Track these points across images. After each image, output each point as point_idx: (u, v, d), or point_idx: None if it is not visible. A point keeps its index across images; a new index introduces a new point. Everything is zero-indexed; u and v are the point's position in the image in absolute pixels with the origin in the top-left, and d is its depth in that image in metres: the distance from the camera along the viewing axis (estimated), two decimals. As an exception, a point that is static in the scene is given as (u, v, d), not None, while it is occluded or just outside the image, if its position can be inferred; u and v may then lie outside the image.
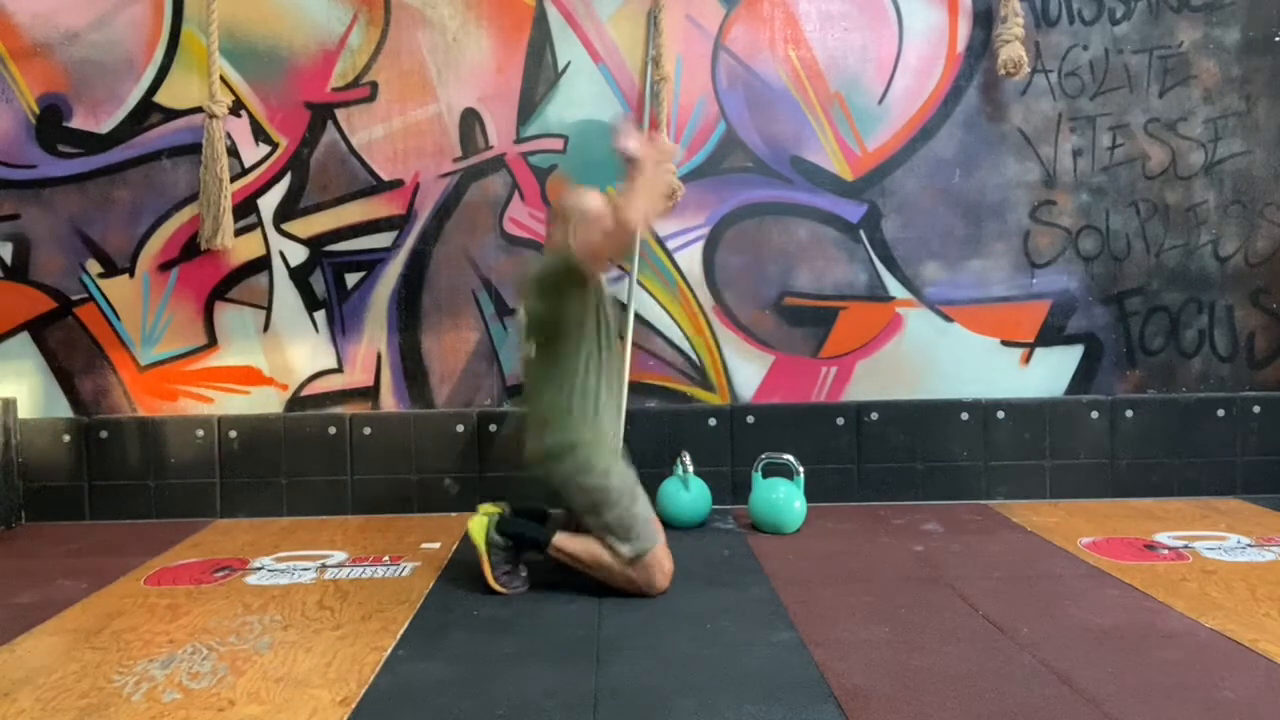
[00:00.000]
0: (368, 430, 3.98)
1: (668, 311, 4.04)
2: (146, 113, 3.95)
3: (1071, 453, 4.02)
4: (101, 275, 4.00)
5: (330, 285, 4.02)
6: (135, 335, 4.02)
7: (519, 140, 3.99)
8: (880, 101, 4.02)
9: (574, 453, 2.90)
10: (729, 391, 4.08)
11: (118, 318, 4.02)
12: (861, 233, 4.04)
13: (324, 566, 3.28)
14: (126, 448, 3.97)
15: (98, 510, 3.99)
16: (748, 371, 4.07)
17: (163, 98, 3.95)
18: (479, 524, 2.99)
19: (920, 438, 4.01)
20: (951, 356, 4.06)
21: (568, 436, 2.91)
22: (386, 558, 3.36)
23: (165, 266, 4.00)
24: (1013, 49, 3.86)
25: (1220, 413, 4.01)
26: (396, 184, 3.99)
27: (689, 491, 3.69)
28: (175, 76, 3.94)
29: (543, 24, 3.97)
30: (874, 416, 4.01)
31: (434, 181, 3.99)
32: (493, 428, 3.97)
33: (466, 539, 3.55)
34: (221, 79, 3.88)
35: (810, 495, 3.67)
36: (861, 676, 2.28)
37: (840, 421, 4.01)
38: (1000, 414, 4.01)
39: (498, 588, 2.93)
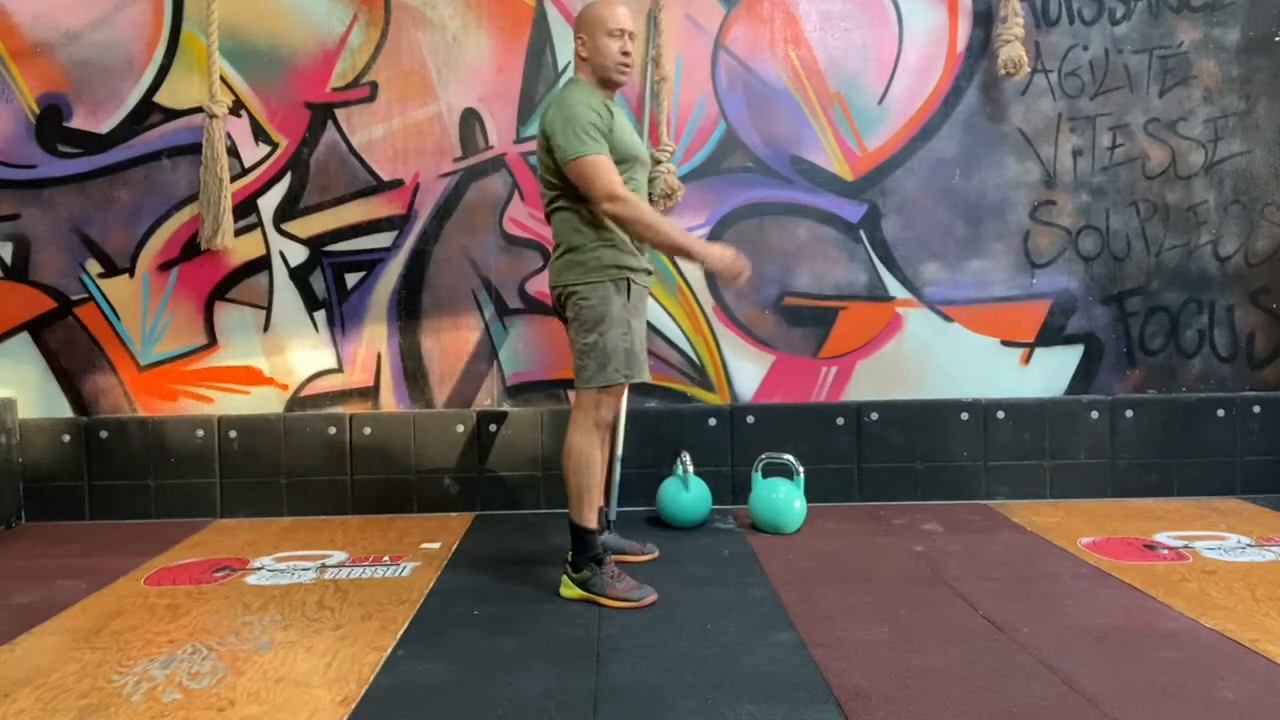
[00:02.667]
0: (368, 430, 3.98)
1: (668, 311, 4.04)
2: (146, 113, 3.95)
3: (1071, 453, 4.02)
4: (101, 275, 4.00)
5: (330, 285, 4.02)
6: (135, 335, 4.02)
7: (519, 140, 3.98)
8: (880, 101, 4.02)
9: (581, 251, 2.82)
10: (729, 391, 4.08)
11: (118, 318, 4.02)
12: (861, 233, 4.04)
13: (324, 566, 3.28)
14: (126, 448, 3.97)
15: (98, 510, 3.99)
16: (748, 371, 4.07)
17: (163, 98, 3.95)
18: (564, 587, 2.92)
19: (920, 438, 4.01)
20: (951, 356, 4.06)
21: (577, 241, 2.84)
22: (386, 558, 3.36)
23: (165, 266, 4.00)
24: (1013, 49, 3.86)
25: (1220, 413, 4.01)
26: (396, 184, 3.99)
27: (689, 491, 3.69)
28: (175, 76, 3.94)
29: (543, 24, 3.97)
30: (874, 416, 4.02)
31: (434, 181, 3.99)
32: (493, 428, 3.98)
33: (466, 538, 3.58)
34: (221, 79, 3.88)
35: (810, 495, 3.68)
36: (861, 676, 2.28)
37: (840, 421, 4.01)
38: (1000, 414, 4.01)
39: (636, 603, 2.82)
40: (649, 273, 2.99)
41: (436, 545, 3.50)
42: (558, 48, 3.97)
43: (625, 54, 2.85)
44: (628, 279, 2.83)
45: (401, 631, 2.64)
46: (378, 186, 3.99)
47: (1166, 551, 3.25)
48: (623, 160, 2.83)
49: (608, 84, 2.91)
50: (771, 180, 4.02)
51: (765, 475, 3.71)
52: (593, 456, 2.87)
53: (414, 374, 4.04)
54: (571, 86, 2.92)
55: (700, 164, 4.01)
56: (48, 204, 3.97)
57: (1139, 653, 2.40)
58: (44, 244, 3.99)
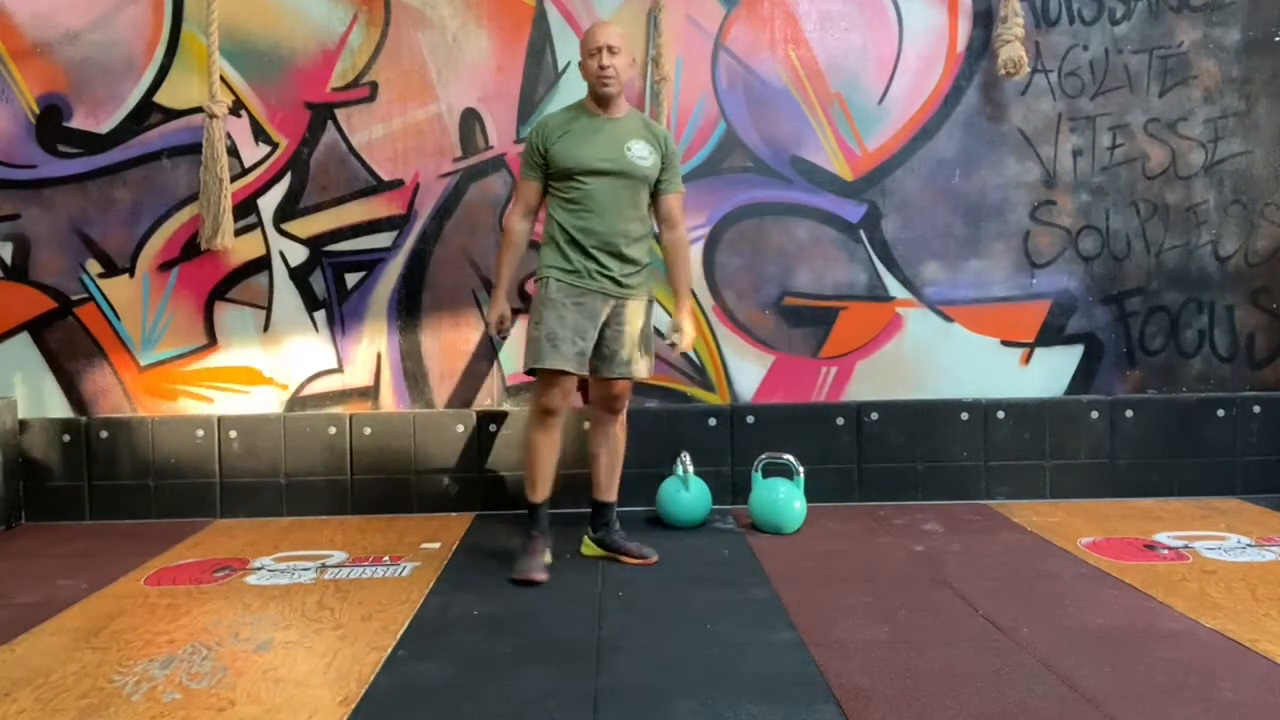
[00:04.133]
0: (368, 430, 3.98)
1: (668, 311, 4.03)
2: (146, 113, 3.95)
3: (1071, 453, 4.02)
4: (101, 275, 4.00)
5: (330, 285, 4.01)
6: (135, 335, 4.02)
7: (519, 140, 3.98)
8: (880, 101, 4.02)
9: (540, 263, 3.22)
10: (729, 391, 4.07)
11: (118, 318, 4.02)
12: (861, 233, 4.04)
13: (324, 566, 3.28)
14: (126, 448, 3.97)
15: (98, 510, 3.99)
16: (748, 371, 4.07)
17: (163, 98, 3.95)
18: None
19: (920, 438, 4.01)
20: (951, 356, 4.06)
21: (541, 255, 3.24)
22: (386, 558, 3.36)
23: (165, 266, 4.00)
24: (1013, 49, 3.86)
25: (1220, 413, 4.01)
26: (396, 184, 3.99)
27: (689, 491, 3.69)
28: (175, 76, 3.94)
29: (543, 24, 3.97)
30: (874, 416, 4.01)
31: (434, 181, 3.99)
32: (493, 428, 3.97)
33: (466, 538, 3.59)
34: (221, 79, 3.88)
35: (810, 495, 3.67)
36: (861, 676, 2.28)
37: (840, 421, 4.01)
38: (1000, 414, 4.01)
39: (522, 573, 3.07)
40: (611, 280, 3.13)
41: (436, 545, 3.50)
42: (558, 48, 3.97)
43: (602, 68, 3.10)
44: (548, 276, 3.14)
45: (401, 631, 2.64)
46: (378, 186, 3.99)
47: (1166, 551, 3.25)
48: (565, 175, 3.12)
49: (597, 98, 3.18)
50: (771, 180, 4.02)
51: (765, 475, 3.71)
52: (533, 440, 3.19)
53: (414, 374, 4.04)
54: (569, 104, 3.31)
55: (700, 164, 4.01)
56: (48, 204, 3.97)
57: (1139, 653, 2.40)
58: (44, 244, 3.99)
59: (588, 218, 3.11)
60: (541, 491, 3.22)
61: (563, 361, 3.05)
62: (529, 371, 3.16)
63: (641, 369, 3.24)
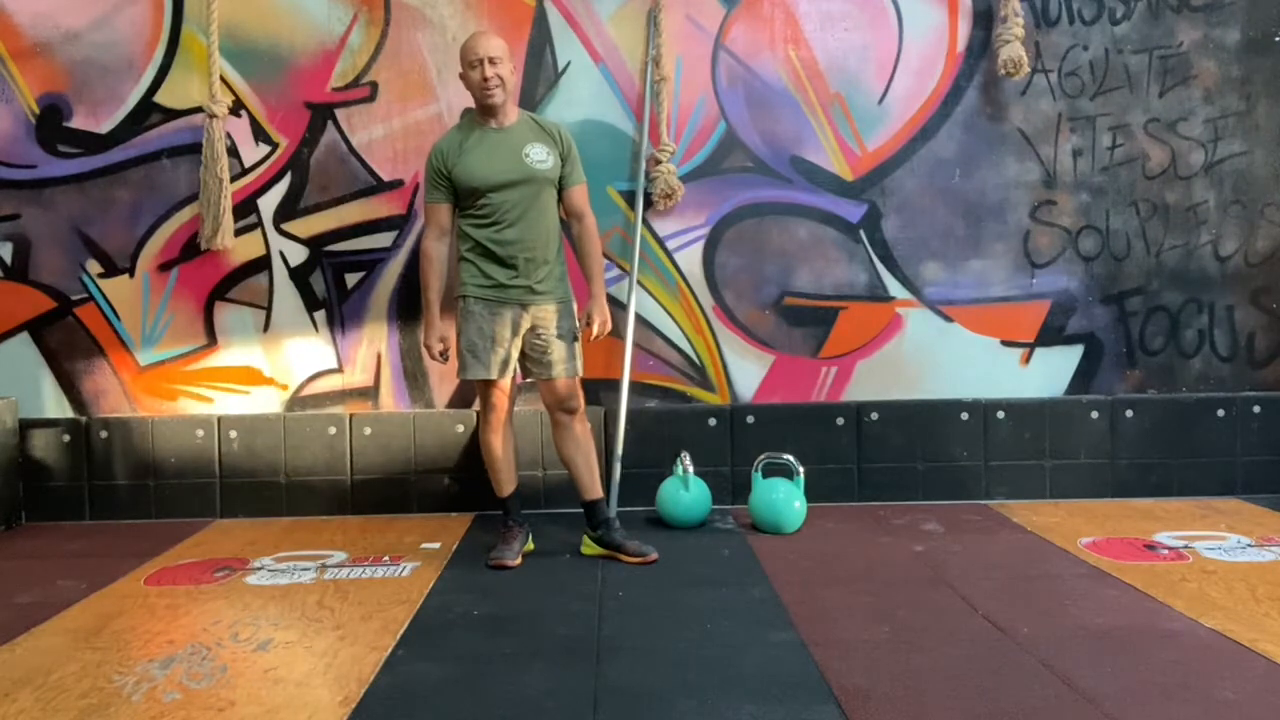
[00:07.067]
0: (368, 430, 3.98)
1: (668, 311, 4.04)
2: (146, 113, 3.95)
3: (1071, 453, 4.01)
4: (101, 275, 4.00)
5: (330, 285, 4.01)
6: (135, 335, 4.02)
7: (519, 140, 3.98)
8: (880, 101, 4.02)
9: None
10: (729, 391, 4.08)
11: (118, 318, 4.02)
12: (861, 233, 4.04)
13: (324, 566, 3.28)
14: (126, 448, 3.97)
15: (98, 510, 3.99)
16: (748, 371, 4.07)
17: (163, 98, 3.95)
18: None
19: (920, 438, 4.01)
20: (951, 356, 4.06)
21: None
22: (386, 558, 3.36)
23: (165, 266, 4.00)
24: (1013, 49, 3.86)
25: (1220, 413, 4.01)
26: (396, 184, 3.99)
27: (689, 491, 3.69)
28: (175, 76, 3.94)
29: (543, 24, 3.97)
30: (874, 416, 4.01)
31: (434, 181, 3.98)
32: (493, 428, 3.97)
33: (466, 538, 3.59)
34: (221, 79, 3.88)
35: (810, 495, 3.67)
36: (861, 676, 2.28)
37: (840, 421, 4.01)
38: (1000, 414, 4.01)
39: (496, 559, 3.23)
40: (526, 289, 3.21)
41: (436, 545, 3.50)
42: (558, 47, 3.96)
43: (485, 80, 3.14)
44: (466, 294, 3.23)
45: (401, 631, 2.65)
46: (378, 186, 3.99)
47: (1166, 551, 3.25)
48: (470, 191, 3.18)
49: (484, 110, 3.22)
50: (771, 180, 4.02)
51: (765, 475, 3.71)
52: (484, 440, 3.35)
53: (414, 374, 4.04)
54: (457, 123, 3.35)
55: (700, 164, 4.01)
56: (48, 204, 3.97)
57: (1139, 653, 2.40)
58: (44, 244, 3.99)
59: (501, 230, 3.18)
60: (506, 486, 3.38)
61: (484, 371, 3.21)
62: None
63: (575, 367, 3.31)
